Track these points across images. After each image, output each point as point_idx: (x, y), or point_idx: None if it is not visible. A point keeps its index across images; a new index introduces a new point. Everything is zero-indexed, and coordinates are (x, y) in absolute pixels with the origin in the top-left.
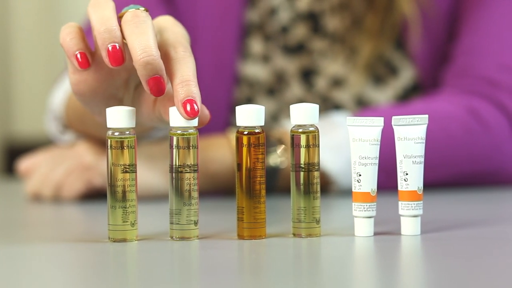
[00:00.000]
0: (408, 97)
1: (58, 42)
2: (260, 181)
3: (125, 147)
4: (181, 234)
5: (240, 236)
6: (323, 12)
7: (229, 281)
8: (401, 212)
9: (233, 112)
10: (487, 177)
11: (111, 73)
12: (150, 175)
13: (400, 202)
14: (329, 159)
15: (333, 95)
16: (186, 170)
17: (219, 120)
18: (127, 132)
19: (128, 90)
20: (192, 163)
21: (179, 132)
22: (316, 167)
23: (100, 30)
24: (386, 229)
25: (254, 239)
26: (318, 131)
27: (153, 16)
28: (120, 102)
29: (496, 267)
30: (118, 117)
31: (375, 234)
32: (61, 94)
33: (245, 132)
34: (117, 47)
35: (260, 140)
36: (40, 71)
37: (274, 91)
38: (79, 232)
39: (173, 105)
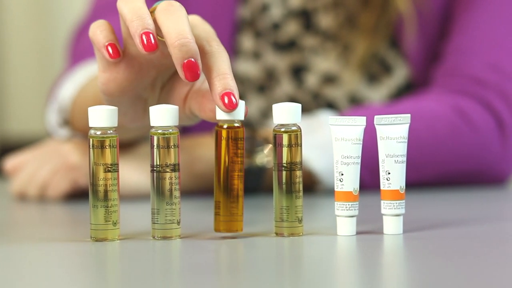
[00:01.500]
0: (401, 96)
1: (51, 41)
2: (238, 175)
3: (106, 147)
4: (163, 233)
5: (217, 230)
6: (316, 10)
7: (210, 281)
8: (383, 211)
9: None
10: (473, 177)
11: (140, 71)
12: (136, 174)
13: (382, 201)
14: (315, 158)
15: (325, 92)
16: (167, 170)
17: None
18: (109, 132)
19: (154, 90)
20: (173, 163)
21: (159, 131)
22: (298, 166)
23: (132, 18)
24: (369, 228)
25: (230, 232)
26: (300, 131)
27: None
28: (145, 103)
29: (477, 266)
30: (100, 117)
31: (358, 233)
32: (71, 88)
33: (225, 126)
34: (150, 34)
35: (239, 134)
36: (32, 70)
37: (264, 88)
38: (62, 231)
39: (207, 100)
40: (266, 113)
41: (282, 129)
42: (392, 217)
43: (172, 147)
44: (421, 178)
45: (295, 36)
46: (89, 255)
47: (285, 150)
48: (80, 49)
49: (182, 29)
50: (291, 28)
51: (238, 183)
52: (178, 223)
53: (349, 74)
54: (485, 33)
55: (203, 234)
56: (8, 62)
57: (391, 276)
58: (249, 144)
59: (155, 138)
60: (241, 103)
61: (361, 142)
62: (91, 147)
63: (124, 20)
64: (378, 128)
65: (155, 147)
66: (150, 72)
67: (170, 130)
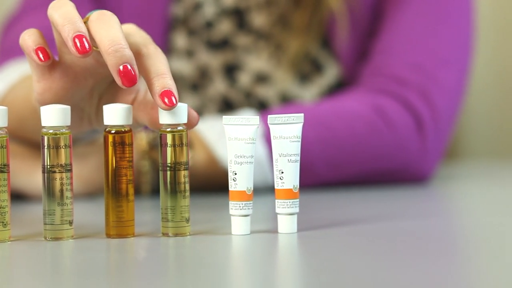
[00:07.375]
0: (332, 95)
1: None
2: (127, 180)
3: None
4: (55, 234)
5: (108, 235)
6: (249, 8)
7: (97, 282)
8: (277, 210)
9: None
10: (392, 176)
11: (76, 80)
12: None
13: (276, 200)
14: None
15: (257, 91)
16: (57, 170)
17: None
18: None
19: (91, 100)
20: (64, 163)
21: (50, 132)
22: (183, 166)
23: (64, 23)
24: (263, 228)
25: (121, 237)
26: (186, 131)
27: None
28: (81, 112)
29: (369, 263)
30: None
31: (252, 232)
32: (1, 85)
33: (112, 131)
34: (83, 37)
35: (126, 139)
36: None
37: (197, 86)
38: None
39: (155, 111)
40: (200, 112)
41: (168, 129)
42: (286, 216)
43: (63, 147)
44: (341, 177)
45: (228, 35)
46: None
47: (169, 150)
48: (8, 44)
49: (115, 35)
50: (224, 27)
51: (126, 188)
52: (70, 223)
53: (281, 73)
54: (408, 33)
55: (96, 234)
56: None
57: (283, 275)
58: None
59: (45, 138)
60: (183, 106)
61: (255, 142)
62: None
63: (56, 26)
64: (272, 128)
65: (45, 147)
66: (87, 81)
67: (62, 130)
